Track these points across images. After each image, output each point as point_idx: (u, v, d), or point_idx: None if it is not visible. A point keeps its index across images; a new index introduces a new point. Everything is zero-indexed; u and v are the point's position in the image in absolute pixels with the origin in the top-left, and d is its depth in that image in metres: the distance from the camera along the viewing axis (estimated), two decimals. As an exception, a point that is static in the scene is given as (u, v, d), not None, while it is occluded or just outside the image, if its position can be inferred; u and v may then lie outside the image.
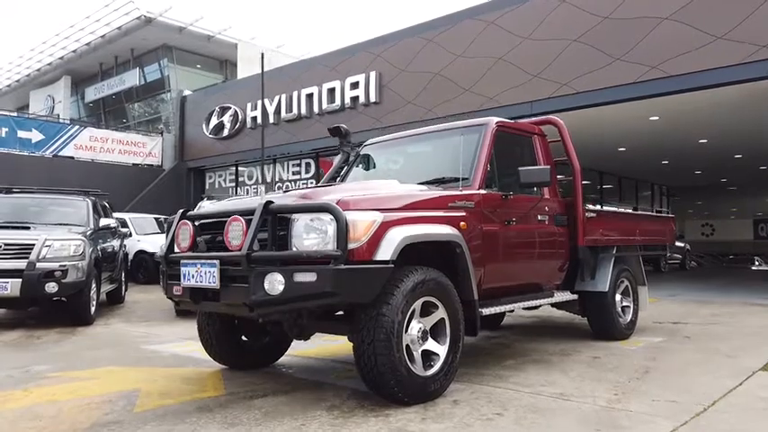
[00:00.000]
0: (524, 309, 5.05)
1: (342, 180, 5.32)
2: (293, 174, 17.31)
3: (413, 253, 3.51)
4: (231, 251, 3.31)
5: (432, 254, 3.72)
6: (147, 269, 14.14)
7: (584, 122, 12.77)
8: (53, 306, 7.31)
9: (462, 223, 3.87)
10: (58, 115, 27.14)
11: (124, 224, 15.03)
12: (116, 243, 9.99)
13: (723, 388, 3.85)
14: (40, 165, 17.88)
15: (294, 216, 3.28)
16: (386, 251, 3.26)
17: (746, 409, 3.39)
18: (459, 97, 12.95)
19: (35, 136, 17.78)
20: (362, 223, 3.24)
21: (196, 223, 3.72)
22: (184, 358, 4.83)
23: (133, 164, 19.88)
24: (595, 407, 3.40)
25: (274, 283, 3.14)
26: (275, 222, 3.30)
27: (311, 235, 3.25)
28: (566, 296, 5.04)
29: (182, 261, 3.58)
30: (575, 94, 11.39)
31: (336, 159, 5.60)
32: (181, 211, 3.84)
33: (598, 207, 5.56)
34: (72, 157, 18.67)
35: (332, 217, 3.14)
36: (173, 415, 3.17)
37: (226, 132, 18.08)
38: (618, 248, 5.76)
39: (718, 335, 6.06)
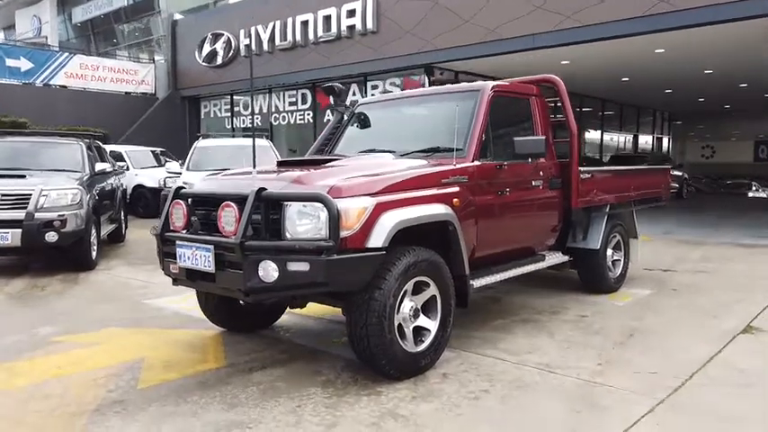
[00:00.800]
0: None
1: (337, 140, 5.28)
2: (290, 105, 17.04)
3: (406, 230, 3.56)
4: (225, 236, 3.35)
5: (424, 230, 3.76)
6: (147, 203, 14.23)
7: (587, 53, 12.45)
8: (55, 252, 7.41)
9: (455, 200, 3.89)
10: (46, 37, 26.35)
11: (120, 158, 15.01)
12: (114, 182, 10.00)
13: (703, 356, 4.02)
14: (31, 95, 17.57)
15: (287, 202, 3.30)
16: (378, 238, 3.30)
17: (724, 383, 3.55)
18: (459, 28, 12.54)
19: (24, 64, 17.35)
20: (354, 211, 3.26)
21: (189, 201, 3.74)
22: (185, 318, 4.98)
23: (126, 92, 19.52)
24: (578, 381, 3.56)
25: (268, 271, 3.20)
26: (268, 209, 3.32)
27: (304, 221, 3.29)
28: (557, 259, 5.14)
29: (177, 242, 3.63)
30: (579, 28, 11.03)
31: (331, 119, 5.51)
32: (175, 187, 3.85)
33: (593, 168, 5.51)
34: (65, 87, 18.31)
35: (323, 206, 3.15)
36: (175, 393, 3.32)
37: (219, 60, 17.61)
38: (611, 206, 5.80)
39: (704, 287, 6.21)
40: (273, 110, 17.54)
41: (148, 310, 5.34)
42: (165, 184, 13.54)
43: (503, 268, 4.44)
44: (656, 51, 12.47)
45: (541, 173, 4.84)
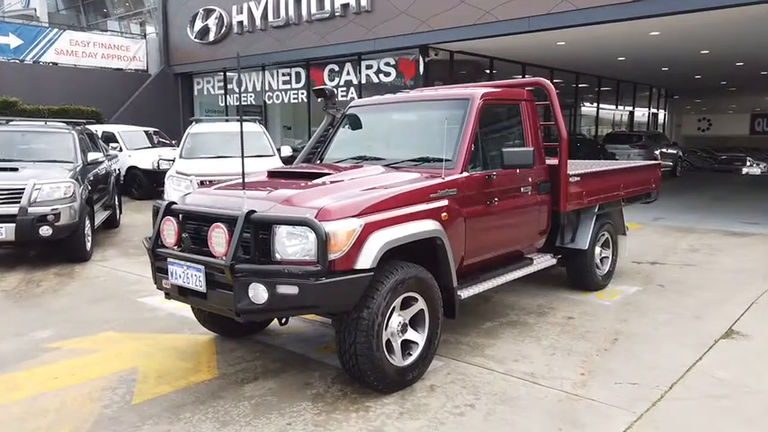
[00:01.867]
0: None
1: (328, 143, 5.29)
2: (283, 83, 16.89)
3: (397, 247, 3.63)
4: (215, 257, 3.41)
5: (413, 245, 3.82)
6: (141, 184, 14.21)
7: (582, 35, 12.36)
8: (50, 244, 7.45)
9: (444, 214, 3.94)
10: (35, 9, 25.87)
11: (113, 138, 14.94)
12: (107, 168, 9.98)
13: (684, 363, 4.14)
14: (21, 72, 17.36)
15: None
16: (366, 259, 3.36)
17: (702, 396, 3.67)
18: (454, 9, 12.38)
19: (13, 41, 17.09)
20: (343, 233, 3.31)
21: (180, 218, 3.79)
22: (179, 320, 5.06)
23: (117, 69, 19.28)
24: (561, 394, 3.67)
25: (258, 293, 3.27)
26: (257, 232, 3.37)
27: (293, 242, 3.34)
28: (545, 262, 5.21)
29: (168, 259, 3.68)
30: (574, 11, 10.91)
31: (322, 122, 5.51)
32: (166, 203, 3.89)
33: (582, 171, 5.54)
34: (56, 64, 18.08)
35: (311, 230, 3.21)
36: (169, 410, 3.42)
37: (212, 37, 17.37)
38: (600, 206, 5.86)
39: (690, 284, 6.32)
40: (267, 88, 17.40)
41: (143, 311, 5.42)
42: (158, 166, 13.52)
43: (491, 276, 4.52)
44: (651, 34, 12.38)
45: (530, 179, 4.88)
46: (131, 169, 14.42)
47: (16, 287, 6.34)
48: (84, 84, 18.29)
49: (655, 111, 26.40)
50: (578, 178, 5.36)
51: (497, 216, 4.54)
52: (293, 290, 3.21)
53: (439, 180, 4.03)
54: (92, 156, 8.66)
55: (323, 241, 3.18)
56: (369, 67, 14.82)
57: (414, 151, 4.56)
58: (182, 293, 3.68)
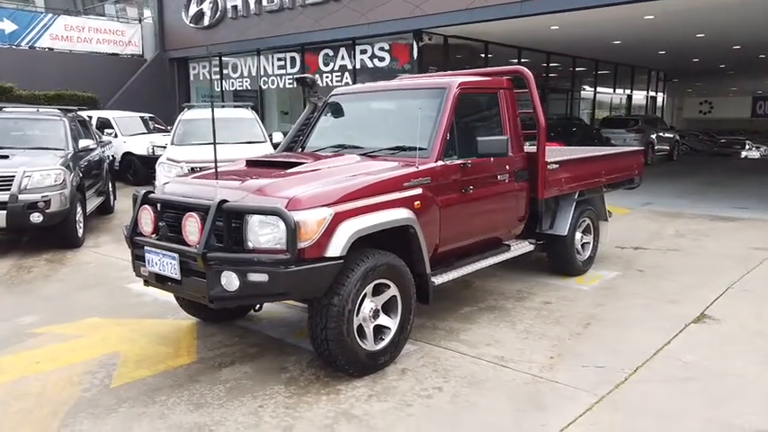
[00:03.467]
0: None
1: (310, 132, 5.35)
2: (278, 68, 16.88)
3: (369, 235, 3.72)
4: (189, 246, 3.50)
5: (386, 233, 3.90)
6: (136, 170, 14.28)
7: (576, 19, 12.32)
8: (43, 231, 7.56)
9: (417, 203, 4.02)
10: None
11: (109, 124, 14.98)
12: (99, 154, 10.06)
13: (652, 347, 4.24)
14: (17, 58, 17.35)
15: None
16: (336, 248, 3.44)
17: (667, 378, 3.77)
18: (447, -8, 12.34)
19: (8, 26, 17.08)
20: (313, 222, 3.40)
21: (158, 206, 3.88)
22: (163, 306, 5.16)
23: (113, 53, 19.26)
24: (528, 376, 3.78)
25: (230, 281, 3.36)
26: (230, 221, 3.46)
27: (265, 230, 3.43)
28: (523, 248, 5.29)
29: (145, 247, 3.78)
30: (567, -5, 10.89)
31: (304, 110, 5.56)
32: (143, 192, 3.98)
33: (561, 158, 5.60)
34: (52, 49, 18.07)
35: (281, 219, 3.29)
36: (146, 393, 3.53)
37: (206, 21, 17.34)
38: (580, 193, 5.93)
39: (670, 268, 6.41)
40: (262, 73, 17.39)
41: (130, 297, 5.53)
42: (153, 151, 13.57)
43: (465, 263, 4.61)
44: (646, 18, 12.34)
45: (507, 167, 4.94)
46: (126, 155, 14.47)
47: (7, 273, 6.45)
48: (79, 69, 18.29)
49: (653, 94, 26.30)
50: (557, 165, 5.42)
51: (473, 204, 4.61)
52: (263, 277, 3.31)
53: (413, 169, 4.10)
54: (83, 142, 8.72)
55: (292, 230, 3.27)
56: (363, 51, 14.80)
57: (391, 140, 4.63)
58: (159, 280, 3.78)
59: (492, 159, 4.63)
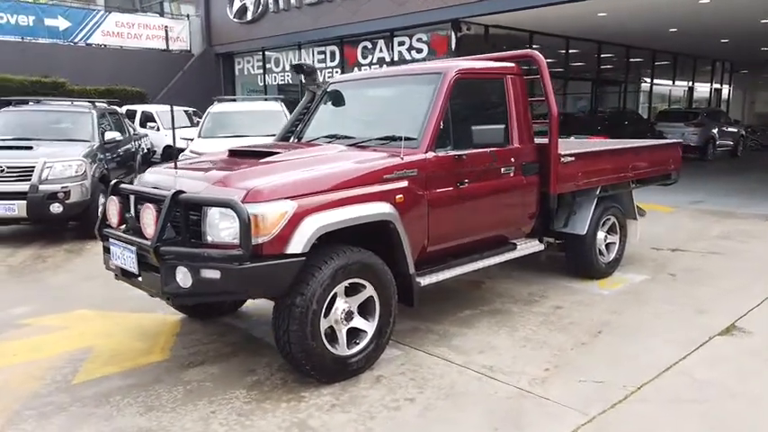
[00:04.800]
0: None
1: (308, 122, 5.12)
2: (318, 61, 16.76)
3: (342, 230, 3.45)
4: (146, 239, 3.32)
5: (364, 229, 3.62)
6: (176, 163, 14.50)
7: (624, 5, 11.63)
8: (68, 221, 7.66)
9: (399, 196, 3.71)
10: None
11: (151, 118, 15.30)
12: (132, 147, 10.20)
13: (665, 361, 3.78)
14: (70, 54, 17.96)
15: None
16: (297, 243, 3.18)
17: (671, 399, 3.33)
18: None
19: (62, 23, 17.69)
20: (272, 216, 3.15)
21: (131, 198, 3.73)
22: (156, 300, 5.04)
23: (162, 50, 19.68)
24: (514, 390, 3.41)
25: (185, 277, 3.16)
26: (186, 214, 3.25)
27: (225, 224, 3.21)
28: (531, 248, 4.87)
29: (110, 239, 3.64)
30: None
31: (302, 99, 5.32)
32: (113, 182, 3.84)
33: (578, 150, 5.15)
34: (105, 45, 18.62)
35: (234, 212, 3.06)
36: (102, 393, 3.38)
37: (249, 16, 17.45)
38: (603, 188, 5.46)
39: (708, 273, 5.83)
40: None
41: (126, 289, 5.40)
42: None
43: (459, 263, 4.25)
44: (702, 2, 11.48)
45: (513, 159, 4.55)
46: (168, 148, 14.73)
47: (23, 262, 6.53)
48: (129, 64, 18.78)
49: (718, 86, 24.76)
50: (572, 158, 4.97)
51: (471, 199, 4.25)
52: (216, 274, 3.09)
53: (395, 160, 3.79)
54: (110, 135, 8.80)
55: (245, 224, 3.03)
56: (401, 43, 14.48)
57: (383, 129, 4.32)
58: (124, 274, 3.64)
59: (488, 150, 4.24)
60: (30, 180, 7.10)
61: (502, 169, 4.48)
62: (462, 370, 3.69)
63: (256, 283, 3.15)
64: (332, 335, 3.48)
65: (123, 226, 3.71)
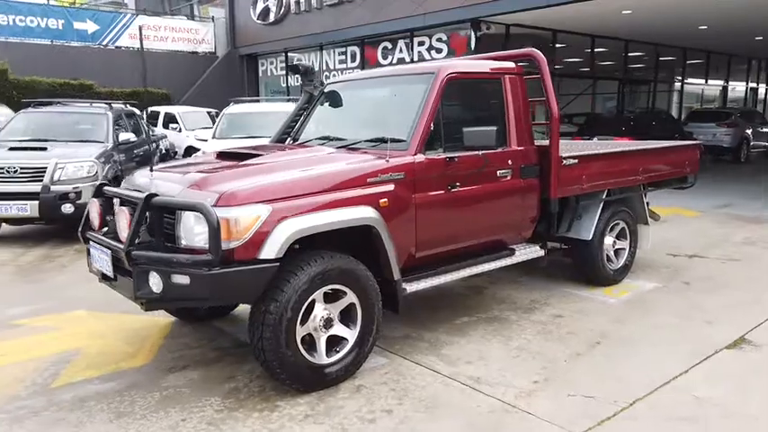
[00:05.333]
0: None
1: (303, 123, 5.05)
2: (339, 62, 16.75)
3: (322, 235, 3.37)
4: (122, 242, 3.28)
5: (346, 234, 3.52)
6: (197, 164, 14.63)
7: (649, 1, 11.27)
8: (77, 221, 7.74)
9: (383, 200, 3.60)
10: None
11: (174, 119, 15.47)
12: (148, 147, 10.29)
13: (664, 376, 3.58)
14: (98, 56, 18.31)
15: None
16: (270, 250, 3.10)
17: (664, 417, 3.14)
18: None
19: (90, 26, 18.06)
20: (245, 220, 3.07)
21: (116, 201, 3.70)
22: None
23: (187, 51, 19.94)
24: (498, 403, 3.27)
25: (157, 282, 3.11)
26: (160, 217, 3.21)
27: (198, 228, 3.15)
28: (530, 254, 4.69)
29: (90, 242, 3.62)
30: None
31: (299, 100, 5.25)
32: (98, 183, 3.82)
33: (581, 152, 4.96)
34: (136, 48, 18.90)
35: (203, 216, 2.99)
36: (78, 398, 3.35)
37: (272, 17, 17.53)
38: (610, 192, 5.25)
39: (724, 281, 5.56)
40: (324, 68, 17.33)
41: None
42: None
43: (449, 269, 4.10)
44: (729, -3, 11.07)
45: (510, 162, 4.39)
46: (189, 149, 14.86)
47: (32, 261, 6.62)
48: (155, 66, 19.04)
49: (754, 85, 23.92)
50: (575, 161, 4.78)
51: (463, 203, 4.11)
52: (185, 280, 3.02)
53: (381, 163, 3.68)
54: (124, 136, 8.88)
55: (214, 228, 2.96)
56: (421, 43, 14.35)
57: (375, 131, 4.21)
58: (104, 278, 3.61)
59: (482, 153, 4.09)
60: (42, 181, 7.21)
61: (498, 172, 4.33)
62: (447, 381, 3.56)
63: (227, 290, 3.08)
64: (311, 342, 3.39)
65: (105, 228, 3.68)
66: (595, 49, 16.56)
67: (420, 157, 3.86)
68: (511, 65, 4.58)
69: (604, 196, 5.19)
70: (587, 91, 18.59)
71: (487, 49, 13.43)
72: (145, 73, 17.52)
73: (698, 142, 6.23)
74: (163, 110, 15.82)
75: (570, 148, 5.33)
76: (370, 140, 4.10)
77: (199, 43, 19.94)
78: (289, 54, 18.46)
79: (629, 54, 17.50)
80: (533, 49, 4.68)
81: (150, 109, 16.08)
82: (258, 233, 3.10)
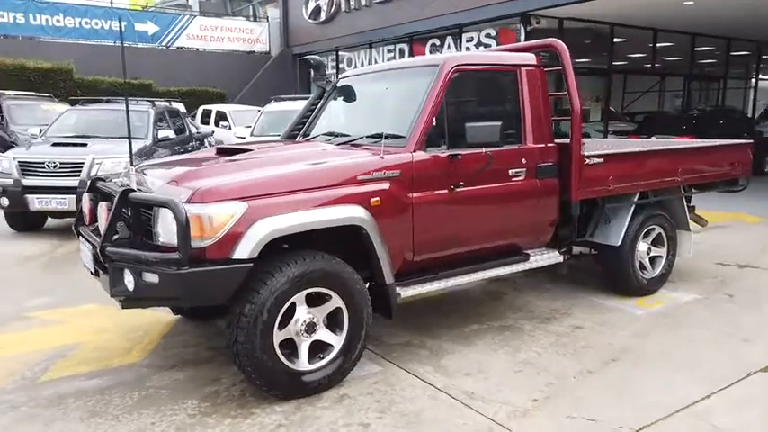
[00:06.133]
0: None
1: (315, 118, 4.90)
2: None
3: (317, 236, 3.22)
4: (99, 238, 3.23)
5: (337, 234, 3.34)
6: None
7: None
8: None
9: (375, 200, 3.39)
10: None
11: (225, 117, 15.76)
12: (194, 144, 10.49)
13: (681, 400, 3.22)
14: (158, 57, 18.93)
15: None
16: (243, 249, 2.96)
17: (671, 446, 2.80)
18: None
19: (150, 28, 18.67)
20: (218, 217, 2.94)
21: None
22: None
23: (243, 51, 20.31)
24: (487, 422, 3.01)
25: (130, 279, 3.03)
26: (137, 213, 3.13)
27: (175, 225, 3.04)
28: (546, 260, 4.36)
29: (80, 237, 3.59)
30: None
31: (312, 95, 5.11)
32: (92, 178, 3.81)
33: (609, 151, 4.59)
34: (192, 48, 19.47)
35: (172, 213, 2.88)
36: (59, 394, 3.32)
37: (323, 16, 17.59)
38: (644, 194, 4.84)
39: (773, 295, 5.04)
40: (374, 66, 17.23)
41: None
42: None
43: (451, 274, 3.84)
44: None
45: (524, 160, 4.09)
46: (237, 146, 15.09)
47: (64, 254, 6.80)
48: (211, 66, 19.54)
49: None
50: (601, 160, 4.41)
51: (468, 204, 3.84)
52: (155, 278, 2.93)
53: (373, 160, 3.47)
54: (164, 133, 9.05)
55: (182, 226, 2.84)
56: (470, 39, 13.99)
57: (378, 126, 4.00)
58: (94, 273, 3.57)
59: (486, 152, 3.80)
60: (79, 176, 7.40)
61: (509, 171, 4.04)
62: (438, 394, 3.32)
63: (196, 290, 2.96)
64: (291, 348, 3.24)
65: (97, 224, 3.65)
66: (659, 44, 15.67)
67: (419, 155, 3.63)
68: (528, 56, 4.26)
69: (636, 199, 4.79)
70: (654, 88, 17.66)
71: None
72: (200, 72, 18.00)
73: (748, 141, 5.66)
74: (215, 108, 16.14)
75: (599, 147, 4.96)
76: (372, 136, 3.90)
77: (254, 43, 20.28)
78: (340, 53, 18.47)
79: (697, 49, 16.47)
80: (555, 39, 4.35)
81: (203, 107, 16.45)
82: (231, 232, 2.96)
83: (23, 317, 4.65)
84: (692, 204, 5.68)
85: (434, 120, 3.72)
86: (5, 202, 7.55)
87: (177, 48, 19.36)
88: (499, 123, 3.62)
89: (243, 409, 3.16)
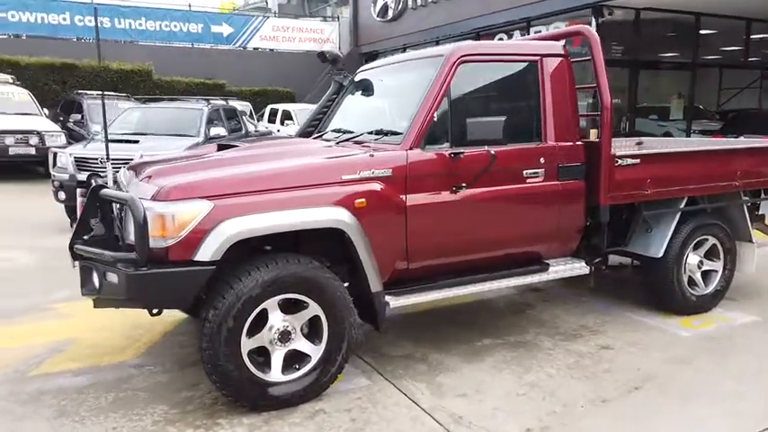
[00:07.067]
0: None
1: (331, 113, 4.70)
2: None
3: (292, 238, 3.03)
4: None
5: (323, 237, 3.12)
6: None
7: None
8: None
9: (360, 201, 3.13)
10: (266, 1, 28.84)
11: (290, 116, 15.98)
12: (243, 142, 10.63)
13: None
14: (232, 57, 19.47)
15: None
16: (205, 250, 2.78)
17: (677, 500, 2.35)
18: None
19: (225, 30, 19.24)
20: (181, 217, 2.78)
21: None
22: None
23: (313, 51, 20.51)
24: (464, 454, 2.68)
25: (97, 279, 2.94)
26: (109, 210, 3.04)
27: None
28: (568, 271, 3.91)
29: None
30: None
31: (329, 90, 4.91)
32: (86, 175, 3.79)
33: (647, 151, 4.08)
34: (265, 49, 19.91)
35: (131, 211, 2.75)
36: (40, 391, 3.27)
37: (390, 14, 17.46)
38: (691, 200, 4.28)
39: None
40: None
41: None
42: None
43: (450, 284, 3.49)
44: None
45: (542, 160, 3.68)
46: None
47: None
48: (283, 66, 19.87)
49: None
50: (636, 161, 3.92)
51: (472, 208, 3.49)
52: (115, 279, 2.81)
53: (360, 158, 3.21)
54: (215, 131, 9.19)
55: (140, 224, 2.71)
56: (537, 33, 13.33)
57: (380, 122, 3.77)
58: (82, 271, 3.53)
59: (495, 149, 3.44)
60: (128, 172, 7.62)
61: (523, 172, 3.64)
62: (421, 416, 3.02)
63: (155, 292, 2.82)
64: (264, 357, 3.04)
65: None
66: (754, 36, 14.32)
67: (416, 153, 3.33)
68: (552, 45, 3.85)
69: (683, 205, 4.24)
70: (754, 84, 16.18)
71: (615, 38, 12.14)
72: (272, 72, 18.33)
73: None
74: (281, 107, 16.41)
75: (654, 147, 4.44)
76: (373, 132, 3.64)
77: (324, 43, 20.43)
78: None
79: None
80: (583, 26, 3.92)
81: (270, 106, 16.75)
82: (195, 231, 2.80)
83: (43, 308, 4.73)
84: (760, 213, 5.01)
85: (436, 115, 3.40)
86: (62, 195, 7.87)
87: (251, 48, 19.84)
88: (502, 119, 3.26)
89: (209, 419, 2.99)
